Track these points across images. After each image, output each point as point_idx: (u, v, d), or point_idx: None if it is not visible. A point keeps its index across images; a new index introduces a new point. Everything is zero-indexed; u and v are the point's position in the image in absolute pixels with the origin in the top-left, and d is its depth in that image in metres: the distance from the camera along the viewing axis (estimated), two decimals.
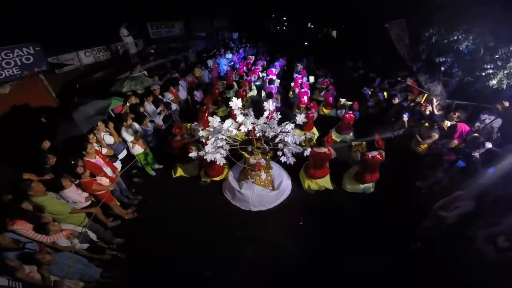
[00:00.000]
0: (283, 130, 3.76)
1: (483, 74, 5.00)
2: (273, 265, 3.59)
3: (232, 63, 11.98)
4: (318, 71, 10.46)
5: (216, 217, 4.36)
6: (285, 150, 3.79)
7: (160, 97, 6.33)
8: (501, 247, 2.74)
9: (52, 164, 3.49)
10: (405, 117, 5.49)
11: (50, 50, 6.54)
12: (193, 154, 3.90)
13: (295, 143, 3.75)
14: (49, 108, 6.04)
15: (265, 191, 4.44)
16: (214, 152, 3.68)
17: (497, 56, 4.80)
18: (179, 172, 5.28)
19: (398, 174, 4.89)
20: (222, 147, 3.77)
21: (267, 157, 4.24)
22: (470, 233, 3.14)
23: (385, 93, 6.96)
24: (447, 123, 4.83)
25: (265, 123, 3.81)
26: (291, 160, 3.78)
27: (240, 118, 3.68)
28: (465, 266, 3.14)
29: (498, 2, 4.59)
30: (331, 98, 7.88)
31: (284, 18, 28.13)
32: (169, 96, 6.58)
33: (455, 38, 5.08)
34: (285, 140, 3.72)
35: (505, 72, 4.82)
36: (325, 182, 4.81)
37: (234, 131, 3.73)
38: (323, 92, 8.30)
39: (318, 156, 4.35)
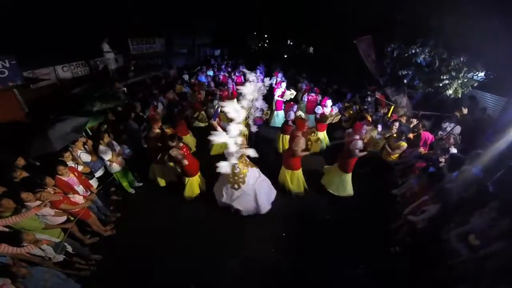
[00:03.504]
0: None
1: (441, 84, 5.45)
2: (259, 278, 3.59)
3: None
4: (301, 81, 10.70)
5: (197, 232, 4.31)
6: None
7: (141, 114, 6.32)
8: (473, 245, 2.92)
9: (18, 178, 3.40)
10: (379, 128, 5.83)
11: (26, 64, 6.44)
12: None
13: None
14: (19, 123, 5.83)
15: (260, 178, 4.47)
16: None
17: (450, 67, 5.27)
18: (158, 175, 5.17)
19: (374, 183, 5.16)
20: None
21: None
22: (444, 234, 3.31)
23: (358, 106, 7.35)
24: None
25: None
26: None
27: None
28: (441, 266, 3.28)
29: (447, 16, 5.06)
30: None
31: (265, 36, 29.22)
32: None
33: (413, 51, 5.52)
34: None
35: (459, 82, 5.31)
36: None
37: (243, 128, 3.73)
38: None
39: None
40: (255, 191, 4.35)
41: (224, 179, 4.45)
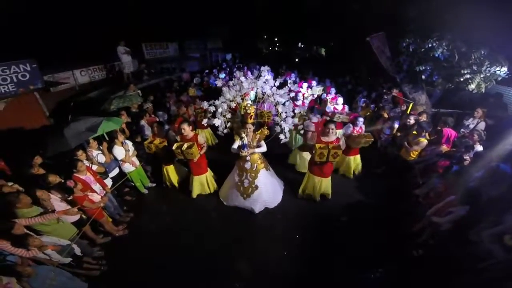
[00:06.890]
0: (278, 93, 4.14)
1: (462, 79, 5.19)
2: (270, 281, 3.47)
3: None
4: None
5: (207, 233, 4.26)
6: (282, 124, 4.06)
7: (153, 115, 6.41)
8: (509, 245, 2.74)
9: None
10: (396, 125, 5.60)
11: (46, 68, 6.63)
12: (205, 121, 4.45)
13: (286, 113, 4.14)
14: (41, 126, 6.05)
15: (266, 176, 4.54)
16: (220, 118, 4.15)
17: (471, 61, 5.01)
18: (172, 174, 5.16)
19: (392, 183, 4.96)
20: (225, 115, 4.24)
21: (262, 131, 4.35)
22: (473, 236, 3.11)
23: (375, 105, 7.12)
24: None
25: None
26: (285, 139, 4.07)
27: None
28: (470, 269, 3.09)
29: (464, 9, 4.85)
30: None
31: (276, 39, 29.37)
32: (164, 116, 6.66)
33: (430, 45, 5.29)
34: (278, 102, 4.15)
35: (482, 76, 5.02)
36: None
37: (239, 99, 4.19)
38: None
39: None
40: (265, 185, 4.50)
41: (233, 187, 4.58)
